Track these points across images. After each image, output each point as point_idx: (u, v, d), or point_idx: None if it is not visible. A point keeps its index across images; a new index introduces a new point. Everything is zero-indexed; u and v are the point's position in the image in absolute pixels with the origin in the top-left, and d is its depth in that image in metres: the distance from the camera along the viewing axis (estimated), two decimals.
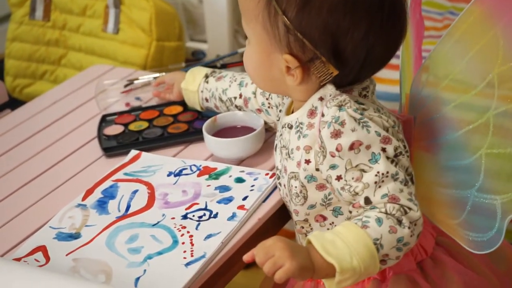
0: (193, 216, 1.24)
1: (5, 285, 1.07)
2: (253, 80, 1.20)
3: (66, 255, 1.19)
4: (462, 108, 1.13)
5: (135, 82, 1.71)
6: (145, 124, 1.55)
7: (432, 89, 1.19)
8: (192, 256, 1.15)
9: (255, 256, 1.00)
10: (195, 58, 2.42)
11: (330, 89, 1.10)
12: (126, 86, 1.70)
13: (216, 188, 1.31)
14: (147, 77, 1.72)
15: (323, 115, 1.07)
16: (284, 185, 1.18)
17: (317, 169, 1.09)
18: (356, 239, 1.00)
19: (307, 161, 1.10)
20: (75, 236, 1.23)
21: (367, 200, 1.04)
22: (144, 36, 2.18)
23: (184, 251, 1.16)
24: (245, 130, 1.41)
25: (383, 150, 1.05)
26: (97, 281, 1.12)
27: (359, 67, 1.10)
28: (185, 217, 1.24)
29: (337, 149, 1.05)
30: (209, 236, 1.19)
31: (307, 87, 1.12)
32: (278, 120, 1.27)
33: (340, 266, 0.98)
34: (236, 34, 2.40)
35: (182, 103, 1.61)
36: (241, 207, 1.25)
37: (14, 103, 1.89)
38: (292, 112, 1.18)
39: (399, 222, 1.02)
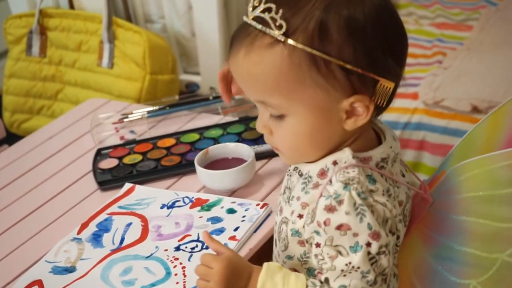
0: (186, 247, 1.27)
1: None
2: (302, 156, 1.07)
3: None
4: (483, 232, 1.07)
5: (129, 116, 1.74)
6: (139, 157, 1.58)
7: (468, 189, 1.10)
8: (184, 287, 1.18)
9: (197, 266, 1.05)
10: (188, 90, 2.46)
11: (346, 156, 1.03)
12: (120, 120, 1.73)
13: (208, 220, 1.33)
14: (140, 111, 1.76)
15: (330, 182, 1.01)
16: (276, 223, 1.14)
17: (304, 227, 1.05)
18: None
19: (300, 216, 1.06)
20: (70, 269, 1.26)
21: (326, 281, 1.01)
22: (138, 70, 2.22)
23: (177, 283, 1.19)
24: (236, 161, 1.44)
25: (368, 244, 0.99)
26: None
27: (403, 63, 1.04)
28: (177, 248, 1.27)
29: (324, 223, 1.00)
30: None
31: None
32: None
33: None
34: None
35: (175, 135, 1.64)
36: (232, 237, 1.27)
37: (12, 138, 1.93)
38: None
39: None
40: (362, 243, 0.98)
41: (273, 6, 0.96)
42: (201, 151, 1.46)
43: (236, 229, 1.29)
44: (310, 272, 1.08)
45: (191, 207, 1.38)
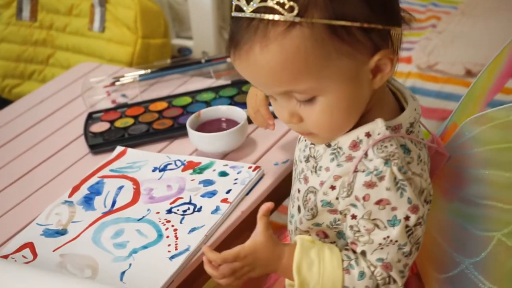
0: (178, 210, 1.26)
1: None
2: (339, 130, 1.04)
3: (53, 251, 1.21)
4: (505, 184, 1.06)
5: (121, 79, 1.73)
6: (130, 121, 1.57)
7: (485, 142, 1.10)
8: (176, 249, 1.17)
9: (220, 268, 1.05)
10: (181, 55, 2.44)
11: (380, 127, 1.01)
12: (112, 84, 1.72)
13: (200, 182, 1.33)
14: (132, 74, 1.74)
15: (366, 155, 0.99)
16: (298, 190, 1.12)
17: (337, 198, 1.03)
18: (331, 275, 1.02)
19: (332, 187, 1.03)
20: (61, 232, 1.25)
21: (363, 253, 1.03)
22: (129, 34, 2.20)
23: (169, 245, 1.18)
24: (229, 123, 1.44)
25: (406, 218, 0.99)
26: (84, 276, 1.14)
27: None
28: (169, 211, 1.26)
29: (364, 198, 0.99)
30: (193, 229, 1.21)
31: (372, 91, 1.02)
32: None
33: (300, 286, 1.03)
34: (221, 30, 2.41)
35: (167, 99, 1.63)
36: (224, 200, 1.27)
37: (3, 103, 1.91)
38: None
39: (377, 286, 1.03)
40: (400, 217, 0.99)
41: None
42: (193, 114, 1.45)
43: (228, 192, 1.29)
44: (340, 235, 1.08)
45: (183, 170, 1.37)
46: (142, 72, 1.75)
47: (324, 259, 1.03)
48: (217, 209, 1.25)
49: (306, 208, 1.09)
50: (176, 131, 1.52)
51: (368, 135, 1.01)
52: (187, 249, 1.17)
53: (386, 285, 1.02)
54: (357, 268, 1.02)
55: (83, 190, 1.35)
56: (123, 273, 1.14)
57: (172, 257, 1.16)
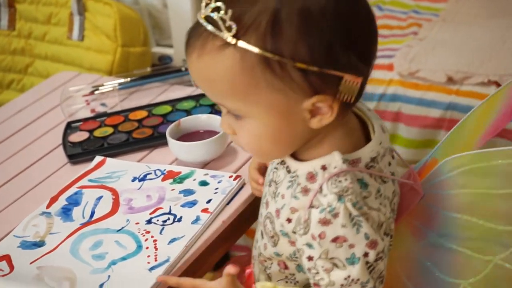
0: (157, 220, 1.25)
1: None
2: (269, 156, 1.04)
3: (31, 263, 1.19)
4: (476, 232, 1.02)
5: (100, 88, 1.71)
6: (110, 130, 1.55)
7: (462, 185, 1.05)
8: (156, 260, 1.15)
9: None
10: (161, 63, 2.42)
11: (336, 160, 0.96)
12: (91, 92, 1.70)
13: (180, 192, 1.31)
14: (111, 83, 1.72)
15: (321, 189, 0.96)
16: (261, 215, 1.10)
17: (294, 232, 1.00)
18: None
19: (289, 220, 1.01)
20: (39, 244, 1.23)
21: None
22: (109, 42, 2.18)
23: (148, 256, 1.17)
24: (209, 134, 1.42)
25: (365, 255, 0.95)
26: None
27: (371, 54, 0.97)
28: (149, 221, 1.25)
29: (319, 236, 0.95)
30: (173, 240, 1.19)
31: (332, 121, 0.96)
32: None
33: None
34: None
35: (147, 107, 1.61)
36: (205, 210, 1.25)
37: None
38: (293, 155, 1.03)
39: None
40: (359, 254, 0.95)
41: (222, 5, 0.89)
42: (173, 123, 1.43)
43: (208, 202, 1.27)
44: (300, 268, 1.06)
45: (163, 180, 1.35)
46: (122, 80, 1.73)
47: None
48: (197, 219, 1.23)
49: (266, 233, 1.07)
50: (156, 140, 1.50)
51: (324, 168, 0.97)
52: (166, 260, 1.15)
53: None
54: None
55: (61, 201, 1.33)
56: (101, 285, 1.12)
57: (151, 268, 1.14)
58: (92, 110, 1.67)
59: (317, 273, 0.98)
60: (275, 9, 0.89)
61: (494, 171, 1.01)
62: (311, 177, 0.98)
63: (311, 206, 0.96)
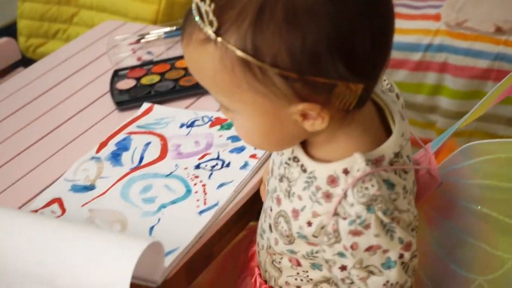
0: (206, 166, 1.25)
1: (24, 236, 1.09)
2: (265, 149, 1.03)
3: (82, 206, 1.20)
4: (497, 227, 0.98)
5: (146, 37, 1.71)
6: (156, 78, 1.56)
7: (484, 175, 1.00)
8: (205, 204, 1.16)
9: None
10: None
11: (359, 162, 0.89)
12: (137, 41, 1.70)
13: (228, 138, 1.31)
14: (157, 31, 1.72)
15: (345, 196, 0.89)
16: (271, 208, 1.02)
17: (315, 236, 0.95)
18: None
19: (309, 223, 0.94)
20: (89, 187, 1.25)
21: None
22: None
23: (197, 200, 1.18)
24: None
25: (401, 256, 0.91)
26: (113, 230, 1.14)
27: (373, 61, 0.87)
28: (197, 167, 1.26)
29: (352, 247, 0.90)
30: (221, 185, 1.20)
31: (332, 121, 0.89)
32: None
33: None
34: None
35: None
36: (253, 156, 1.25)
37: (28, 62, 1.90)
38: (303, 148, 0.97)
39: None
40: (395, 258, 0.91)
41: None
42: None
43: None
44: (315, 267, 1.01)
45: (210, 126, 1.36)
46: (167, 29, 1.73)
47: None
48: (245, 165, 1.24)
49: (277, 230, 1.01)
50: (203, 88, 1.49)
51: (346, 171, 0.90)
52: (216, 204, 1.16)
53: None
54: None
55: (110, 146, 1.34)
56: (152, 227, 1.14)
57: (201, 212, 1.15)
58: (138, 59, 1.67)
59: (352, 283, 0.93)
60: (260, 5, 0.81)
61: None
62: (332, 181, 0.91)
63: (336, 214, 0.90)
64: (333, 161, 0.92)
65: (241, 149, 1.27)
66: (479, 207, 0.98)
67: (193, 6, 0.85)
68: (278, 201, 0.99)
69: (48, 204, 1.22)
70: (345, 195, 0.89)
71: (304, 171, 0.95)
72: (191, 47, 0.86)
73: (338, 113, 0.88)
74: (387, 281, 0.92)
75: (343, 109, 0.87)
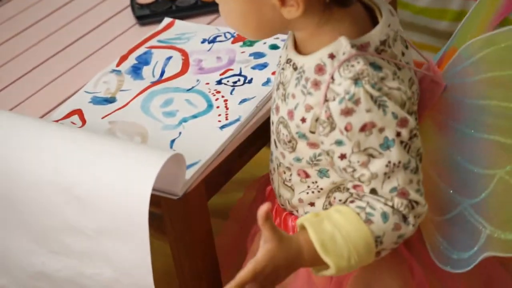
0: (228, 81, 1.24)
1: (44, 144, 1.08)
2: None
3: (102, 118, 1.20)
4: (509, 116, 0.97)
5: None
6: None
7: (487, 69, 0.99)
8: (227, 119, 1.16)
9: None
10: None
11: (344, 46, 0.91)
12: None
13: (250, 55, 1.30)
14: None
15: (332, 79, 0.91)
16: (272, 122, 1.04)
17: (312, 132, 0.95)
18: (357, 235, 0.91)
19: (303, 120, 0.95)
20: (110, 100, 1.24)
21: (373, 191, 0.93)
22: None
23: (219, 115, 1.17)
24: None
25: (398, 134, 0.90)
26: (134, 142, 1.13)
27: None
28: (219, 82, 1.24)
29: (346, 128, 0.90)
30: (243, 100, 1.19)
31: (311, 12, 0.92)
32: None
33: (337, 267, 0.91)
34: None
35: None
36: (275, 72, 1.24)
37: None
38: (296, 49, 0.99)
39: (405, 218, 0.93)
40: (392, 136, 0.90)
41: None
42: None
43: None
44: (322, 174, 1.00)
45: (232, 42, 1.34)
46: None
47: (341, 225, 0.91)
48: (268, 81, 1.22)
49: (280, 141, 1.01)
50: None
51: (332, 56, 0.92)
52: (237, 119, 1.15)
53: (412, 211, 0.93)
54: (376, 212, 0.92)
55: (131, 60, 1.33)
56: (173, 141, 1.13)
57: (222, 127, 1.14)
58: None
59: (354, 170, 0.93)
60: None
61: None
62: (320, 69, 0.93)
63: (326, 100, 0.91)
64: (319, 50, 0.94)
65: (263, 66, 1.26)
66: (488, 101, 0.98)
67: None
68: (277, 109, 1.01)
69: (68, 115, 1.22)
70: (332, 79, 0.91)
71: (295, 68, 0.97)
72: None
73: (317, 5, 0.91)
74: (389, 162, 0.91)
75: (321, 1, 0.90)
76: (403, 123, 0.90)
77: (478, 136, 0.99)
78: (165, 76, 1.28)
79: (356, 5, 0.95)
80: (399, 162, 0.91)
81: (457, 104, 1.02)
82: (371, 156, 0.91)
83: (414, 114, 0.95)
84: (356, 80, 0.89)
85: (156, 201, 1.03)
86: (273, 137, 1.05)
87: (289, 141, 0.99)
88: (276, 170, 1.08)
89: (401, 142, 0.91)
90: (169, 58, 1.32)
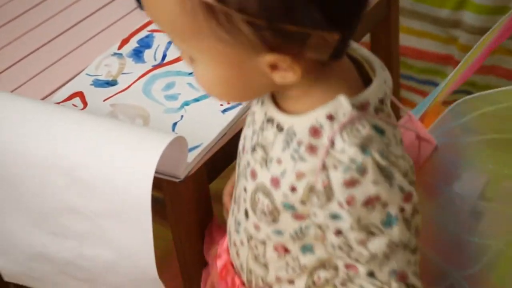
0: None
1: (45, 125, 1.08)
2: (223, 100, 0.93)
3: (104, 100, 1.20)
4: (507, 189, 0.90)
5: None
6: None
7: (483, 130, 0.92)
8: (228, 103, 1.15)
9: None
10: None
11: (345, 106, 0.79)
12: None
13: None
14: None
15: (332, 144, 0.79)
16: (245, 189, 0.89)
17: (303, 203, 0.83)
18: None
19: (293, 188, 0.82)
20: (111, 83, 1.24)
21: (371, 274, 0.82)
22: None
23: None
24: None
25: (401, 210, 0.80)
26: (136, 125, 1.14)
27: (349, 8, 0.78)
28: None
29: (347, 202, 0.78)
30: None
31: (306, 72, 0.79)
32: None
33: None
34: None
35: None
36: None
37: None
38: (278, 107, 0.85)
39: None
40: (395, 211, 0.80)
41: None
42: None
43: None
44: (306, 249, 0.87)
45: None
46: None
47: None
48: None
49: (256, 211, 0.87)
50: None
51: (330, 117, 0.79)
52: (239, 103, 1.15)
53: None
54: None
55: (133, 43, 1.33)
56: (175, 124, 1.13)
57: (224, 111, 1.14)
58: None
59: (351, 249, 0.82)
60: None
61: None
62: (315, 131, 0.80)
63: (324, 168, 0.79)
64: (313, 110, 0.81)
65: None
66: (484, 164, 0.91)
67: None
68: (253, 175, 0.87)
69: (70, 97, 1.22)
70: (332, 144, 0.79)
71: (281, 129, 0.83)
72: None
73: (312, 65, 0.79)
74: (390, 241, 0.81)
75: (317, 61, 0.78)
76: (408, 197, 0.80)
77: (471, 202, 0.92)
78: (166, 59, 1.28)
79: (345, 59, 0.84)
80: (400, 242, 0.81)
81: (447, 166, 0.95)
82: (370, 233, 0.80)
83: (414, 185, 0.84)
84: (364, 148, 0.78)
85: (158, 184, 1.03)
86: (243, 205, 0.90)
87: (270, 213, 0.86)
88: (244, 244, 0.93)
89: (404, 219, 0.81)
90: (170, 42, 1.32)
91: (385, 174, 0.78)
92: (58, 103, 1.20)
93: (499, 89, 0.90)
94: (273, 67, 0.77)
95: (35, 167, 1.10)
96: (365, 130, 0.79)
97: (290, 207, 0.83)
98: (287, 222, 0.85)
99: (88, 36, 1.39)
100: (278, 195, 0.84)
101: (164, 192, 1.08)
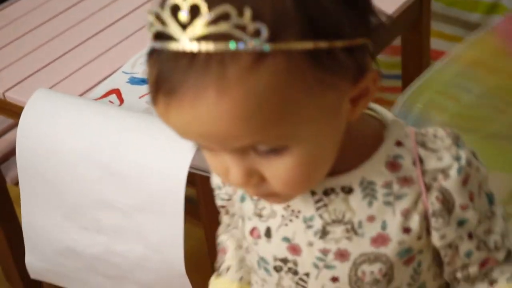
0: None
1: (82, 120, 1.12)
2: (314, 184, 0.74)
3: (139, 97, 1.23)
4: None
5: None
6: None
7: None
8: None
9: None
10: None
11: (398, 129, 0.76)
12: None
13: None
14: None
15: (421, 160, 0.74)
16: (337, 278, 0.78)
17: (419, 238, 0.76)
18: None
19: (406, 230, 0.75)
20: (147, 81, 1.26)
21: (509, 254, 0.80)
22: None
23: None
24: None
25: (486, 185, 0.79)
26: None
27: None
28: None
29: (470, 198, 0.75)
30: None
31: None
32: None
33: None
34: None
35: None
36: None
37: None
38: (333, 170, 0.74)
39: None
40: (488, 189, 0.78)
41: (229, 8, 0.60)
42: None
43: None
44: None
45: None
46: None
47: None
48: None
49: (369, 285, 0.78)
50: None
51: (398, 143, 0.75)
52: None
53: None
54: None
55: None
56: None
57: None
58: None
59: (486, 244, 0.79)
60: None
61: None
62: (392, 164, 0.75)
63: (428, 188, 0.75)
64: (369, 157, 0.75)
65: None
66: None
67: (187, 43, 0.63)
68: (343, 255, 0.77)
69: (107, 94, 1.25)
70: (420, 160, 0.75)
71: (350, 190, 0.75)
72: (236, 87, 0.62)
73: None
74: (501, 216, 0.80)
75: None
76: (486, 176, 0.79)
77: None
78: None
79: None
80: (504, 211, 0.80)
81: None
82: (488, 218, 0.78)
83: None
84: (457, 143, 0.75)
85: (191, 179, 1.05)
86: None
87: (384, 275, 0.78)
88: None
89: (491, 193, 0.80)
90: None
91: (476, 157, 0.77)
92: (96, 99, 1.23)
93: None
94: (355, 100, 0.70)
95: (70, 162, 1.13)
96: (439, 130, 0.76)
97: (406, 252, 0.77)
98: (402, 272, 0.78)
99: (125, 34, 1.43)
100: (390, 249, 0.76)
101: (197, 188, 1.10)
